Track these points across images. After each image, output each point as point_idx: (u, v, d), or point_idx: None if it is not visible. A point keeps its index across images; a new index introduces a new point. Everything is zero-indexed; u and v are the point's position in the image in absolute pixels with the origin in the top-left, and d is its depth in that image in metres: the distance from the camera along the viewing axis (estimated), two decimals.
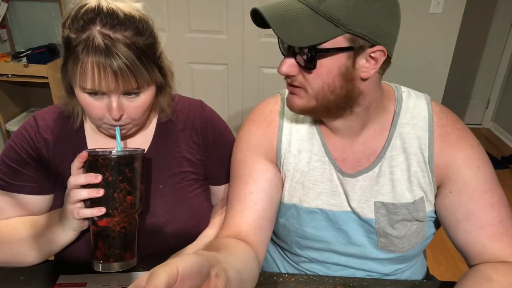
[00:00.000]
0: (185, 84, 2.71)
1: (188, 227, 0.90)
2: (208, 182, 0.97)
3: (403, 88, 0.85)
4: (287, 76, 0.73)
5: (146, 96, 0.78)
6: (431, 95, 0.87)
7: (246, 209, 0.82)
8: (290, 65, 0.70)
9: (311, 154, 0.84)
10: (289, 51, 0.71)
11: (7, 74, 2.42)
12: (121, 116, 0.76)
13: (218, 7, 2.51)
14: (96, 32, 0.69)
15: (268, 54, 2.63)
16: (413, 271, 0.93)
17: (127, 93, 0.75)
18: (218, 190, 0.98)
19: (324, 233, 0.85)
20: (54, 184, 0.87)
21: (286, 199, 0.86)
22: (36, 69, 2.39)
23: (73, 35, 0.70)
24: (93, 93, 0.73)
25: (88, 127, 0.89)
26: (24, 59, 2.46)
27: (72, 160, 0.81)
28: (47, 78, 2.40)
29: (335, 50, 0.67)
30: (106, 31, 0.70)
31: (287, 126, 0.85)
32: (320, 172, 0.83)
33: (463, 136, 0.79)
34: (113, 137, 0.84)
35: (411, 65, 2.51)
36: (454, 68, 2.77)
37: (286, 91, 0.89)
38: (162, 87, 0.85)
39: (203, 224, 0.93)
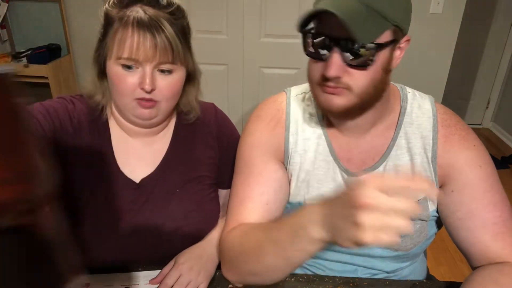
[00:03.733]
0: None
1: (200, 231, 0.90)
2: (216, 185, 0.97)
3: (408, 89, 0.86)
4: (330, 79, 0.69)
5: (178, 76, 0.80)
6: (431, 95, 0.87)
7: (259, 208, 0.82)
8: (339, 66, 0.68)
9: (316, 154, 0.84)
10: (334, 52, 0.67)
11: None
12: (152, 90, 0.76)
13: (218, 7, 2.51)
14: (138, 7, 0.74)
15: (268, 54, 2.63)
16: (414, 269, 0.93)
17: (160, 69, 0.76)
18: (221, 194, 0.99)
19: None
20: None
21: (291, 198, 0.86)
22: (36, 69, 2.39)
23: (115, 10, 0.75)
24: (127, 66, 0.75)
25: (113, 130, 0.87)
26: (24, 59, 2.46)
27: (98, 160, 0.84)
28: (47, 78, 2.40)
29: (387, 44, 0.68)
30: (147, 7, 0.75)
31: (294, 126, 0.85)
32: (324, 172, 0.84)
33: (466, 136, 0.80)
34: (136, 122, 0.83)
35: (411, 65, 2.52)
36: (454, 68, 2.77)
37: (293, 90, 0.89)
38: (191, 78, 0.86)
39: (213, 227, 0.93)
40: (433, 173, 0.80)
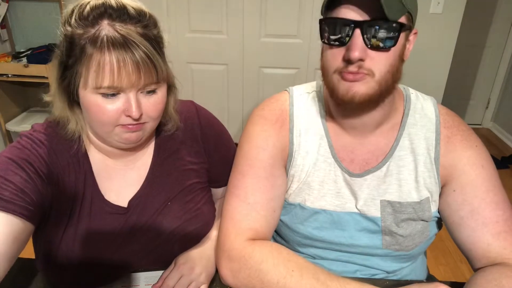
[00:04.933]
0: (185, 84, 2.71)
1: (199, 235, 0.88)
2: (209, 185, 0.95)
3: (411, 90, 0.87)
4: (353, 62, 0.68)
5: (161, 94, 0.73)
6: (431, 95, 0.88)
7: (269, 215, 0.82)
8: (362, 48, 0.68)
9: (317, 156, 0.84)
10: (356, 35, 0.67)
11: (7, 74, 2.42)
12: (141, 115, 0.70)
13: (218, 7, 2.51)
14: (106, 25, 0.65)
15: (268, 54, 2.63)
16: (414, 269, 0.93)
17: (144, 90, 0.70)
18: (217, 192, 0.98)
19: (326, 234, 0.85)
20: (47, 213, 0.75)
21: (291, 199, 0.86)
22: (36, 69, 2.39)
23: (80, 31, 0.65)
24: (108, 94, 0.67)
25: (92, 158, 0.80)
26: (24, 59, 2.46)
27: (83, 195, 0.78)
28: (47, 78, 2.40)
29: (406, 27, 0.69)
30: (117, 23, 0.65)
31: (297, 127, 0.85)
32: (325, 173, 0.84)
33: (468, 137, 0.81)
34: (121, 146, 0.77)
35: (411, 65, 2.51)
36: (454, 68, 2.77)
37: (295, 90, 0.88)
38: (169, 87, 0.80)
39: (210, 227, 0.91)
40: (435, 173, 0.81)
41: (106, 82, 0.65)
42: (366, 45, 0.68)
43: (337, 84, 0.73)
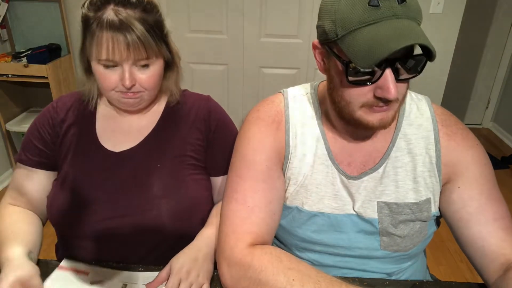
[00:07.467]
0: (185, 84, 2.70)
1: (182, 208, 0.90)
2: (207, 171, 0.98)
3: None
4: (389, 101, 0.67)
5: (155, 68, 0.87)
6: (431, 95, 0.88)
7: (268, 218, 0.81)
8: (396, 86, 0.66)
9: (314, 158, 0.83)
10: (388, 74, 0.65)
11: (7, 74, 2.42)
12: (133, 86, 0.85)
13: (218, 7, 2.51)
14: (110, 9, 0.80)
15: (268, 54, 2.63)
16: (415, 269, 0.93)
17: (137, 64, 0.83)
18: (216, 181, 0.99)
19: (325, 237, 0.85)
20: (58, 160, 0.95)
21: (289, 202, 0.86)
22: (36, 69, 2.39)
23: (91, 14, 0.81)
24: (108, 65, 0.83)
25: (100, 112, 0.98)
26: (24, 59, 2.46)
27: (79, 140, 0.94)
28: (47, 78, 2.40)
29: None
30: (119, 8, 0.80)
31: (293, 129, 0.84)
32: (323, 176, 0.83)
33: (468, 135, 0.82)
34: (122, 109, 0.94)
35: None
36: (454, 68, 2.77)
37: (289, 92, 0.88)
38: (170, 65, 0.93)
39: (198, 211, 0.93)
40: (437, 172, 0.81)
41: (103, 56, 0.81)
42: (396, 79, 0.66)
43: (364, 116, 0.71)
